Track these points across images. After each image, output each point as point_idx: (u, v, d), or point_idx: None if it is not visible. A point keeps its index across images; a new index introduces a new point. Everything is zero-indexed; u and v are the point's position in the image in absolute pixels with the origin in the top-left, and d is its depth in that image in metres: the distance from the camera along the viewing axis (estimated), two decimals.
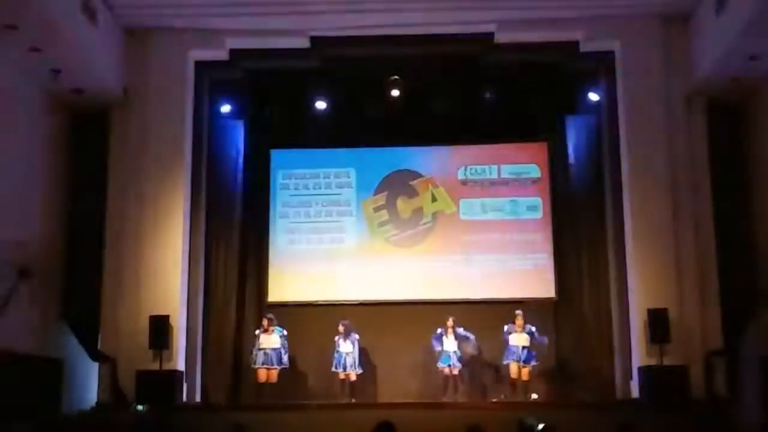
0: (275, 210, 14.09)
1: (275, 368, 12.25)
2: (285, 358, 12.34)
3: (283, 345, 12.30)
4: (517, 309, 12.47)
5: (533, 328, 12.27)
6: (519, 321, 12.29)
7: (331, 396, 12.56)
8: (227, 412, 10.94)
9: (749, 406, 10.68)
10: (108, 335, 11.63)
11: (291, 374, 12.80)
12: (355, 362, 12.41)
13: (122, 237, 11.85)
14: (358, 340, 12.53)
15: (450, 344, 12.36)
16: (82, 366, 11.65)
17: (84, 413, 11.16)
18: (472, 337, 12.53)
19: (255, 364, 12.29)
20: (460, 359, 12.40)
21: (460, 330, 12.41)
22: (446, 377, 12.43)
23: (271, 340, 12.27)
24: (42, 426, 10.30)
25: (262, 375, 12.24)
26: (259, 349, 12.25)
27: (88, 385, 11.67)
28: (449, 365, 12.33)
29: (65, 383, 11.18)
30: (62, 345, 11.49)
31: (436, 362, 12.46)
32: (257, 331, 12.44)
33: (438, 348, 12.39)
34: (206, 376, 12.21)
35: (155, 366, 11.23)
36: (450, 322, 12.39)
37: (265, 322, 12.37)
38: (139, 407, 10.96)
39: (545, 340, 12.53)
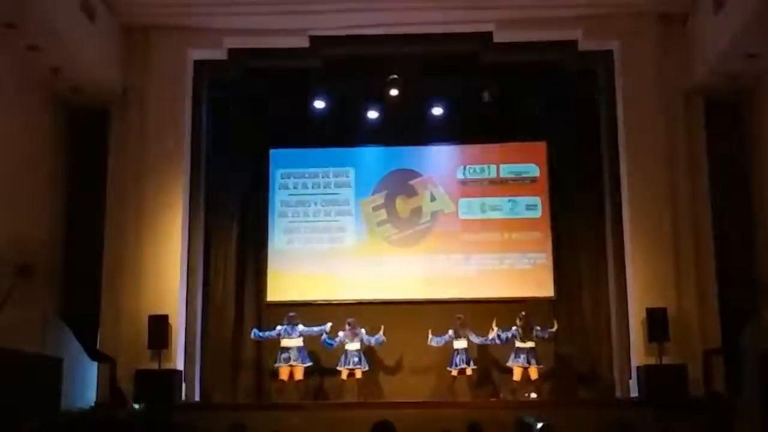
0: (274, 209, 14.06)
1: (300, 365, 12.14)
2: (308, 356, 12.30)
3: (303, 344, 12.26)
4: (522, 311, 12.42)
5: (538, 328, 12.26)
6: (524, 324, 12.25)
7: (327, 395, 12.59)
8: (226, 411, 10.92)
9: (749, 404, 10.67)
10: (107, 334, 11.63)
11: None
12: (361, 359, 12.32)
13: (121, 236, 11.84)
14: (366, 332, 12.45)
15: (460, 343, 12.37)
16: (81, 365, 11.66)
17: (83, 412, 11.10)
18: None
19: (278, 362, 12.22)
20: (469, 359, 12.39)
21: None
22: (454, 378, 12.40)
23: (293, 339, 12.22)
24: (41, 425, 10.23)
25: (284, 373, 12.18)
26: (282, 348, 12.18)
27: (87, 384, 11.67)
28: (460, 365, 12.30)
29: (64, 382, 11.14)
30: (61, 344, 11.48)
31: (448, 365, 12.44)
32: (279, 327, 12.31)
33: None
34: (205, 376, 12.22)
35: (154, 365, 11.23)
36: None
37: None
38: (136, 406, 10.95)
39: (550, 333, 12.45)
